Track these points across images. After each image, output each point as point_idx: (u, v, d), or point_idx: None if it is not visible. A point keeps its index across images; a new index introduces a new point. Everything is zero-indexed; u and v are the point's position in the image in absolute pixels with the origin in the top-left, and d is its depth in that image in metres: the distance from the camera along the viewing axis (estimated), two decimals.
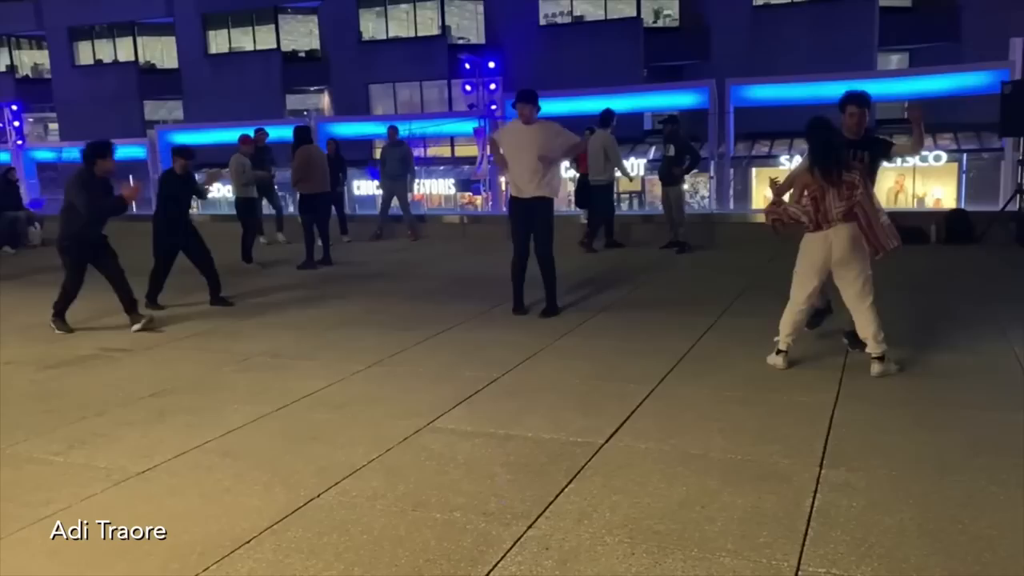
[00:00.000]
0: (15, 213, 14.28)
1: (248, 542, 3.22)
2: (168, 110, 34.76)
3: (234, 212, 11.87)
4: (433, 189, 29.11)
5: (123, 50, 34.98)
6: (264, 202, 12.98)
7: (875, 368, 5.11)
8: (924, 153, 24.19)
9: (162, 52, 35.06)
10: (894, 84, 20.17)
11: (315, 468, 3.95)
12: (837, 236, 5.03)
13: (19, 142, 25.26)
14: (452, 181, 28.93)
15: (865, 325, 5.12)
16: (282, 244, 13.09)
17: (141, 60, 34.85)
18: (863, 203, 4.99)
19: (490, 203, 22.30)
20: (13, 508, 3.61)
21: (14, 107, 25.33)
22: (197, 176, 8.74)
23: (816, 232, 5.08)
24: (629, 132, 12.17)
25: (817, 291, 5.32)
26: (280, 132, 15.99)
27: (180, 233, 8.17)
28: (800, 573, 2.88)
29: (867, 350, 5.18)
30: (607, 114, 11.53)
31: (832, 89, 19.50)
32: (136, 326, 7.16)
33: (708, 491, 3.54)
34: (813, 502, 3.40)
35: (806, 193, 5.07)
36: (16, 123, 25.23)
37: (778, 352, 5.38)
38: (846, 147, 5.40)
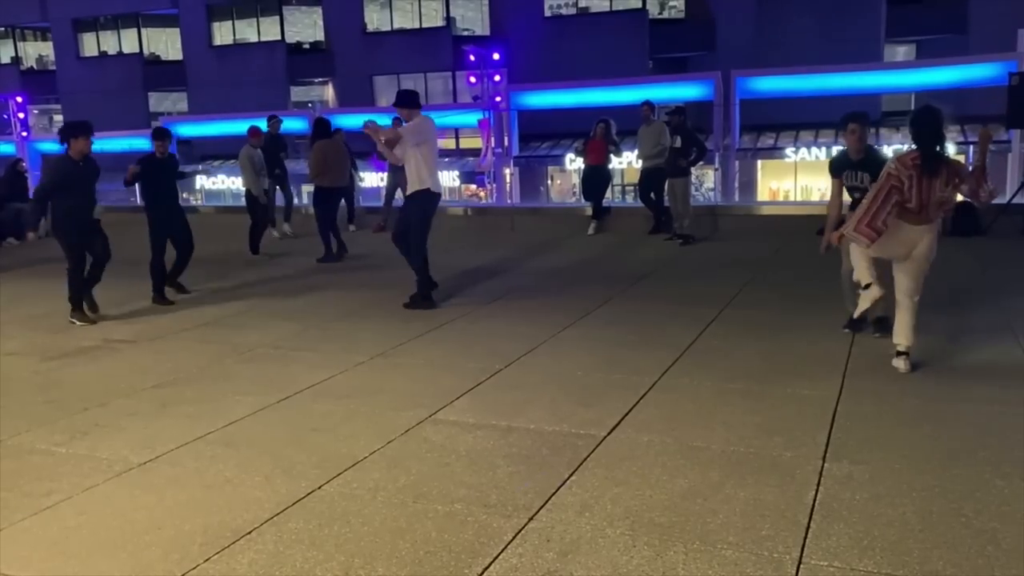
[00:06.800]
0: (20, 204, 14.22)
1: (249, 533, 3.22)
2: (172, 101, 34.78)
3: (243, 204, 11.90)
4: None
5: (128, 42, 34.98)
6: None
7: (902, 362, 5.04)
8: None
9: (166, 44, 35.06)
10: (901, 76, 20.07)
11: (317, 459, 3.95)
12: (929, 233, 4.93)
13: (24, 133, 25.26)
14: (456, 173, 28.89)
15: (909, 318, 5.05)
16: (288, 237, 13.09)
17: (146, 52, 34.87)
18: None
19: (494, 195, 22.27)
20: (15, 498, 3.62)
21: (19, 99, 25.31)
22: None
23: (916, 225, 4.90)
24: (634, 124, 12.22)
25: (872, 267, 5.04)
26: (286, 124, 15.93)
27: (165, 219, 8.18)
28: (802, 566, 2.87)
29: (896, 340, 5.10)
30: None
31: (838, 81, 19.48)
32: (74, 320, 7.28)
33: (710, 484, 3.53)
34: (816, 495, 3.39)
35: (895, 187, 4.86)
36: (21, 115, 25.22)
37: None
38: (850, 166, 5.58)
